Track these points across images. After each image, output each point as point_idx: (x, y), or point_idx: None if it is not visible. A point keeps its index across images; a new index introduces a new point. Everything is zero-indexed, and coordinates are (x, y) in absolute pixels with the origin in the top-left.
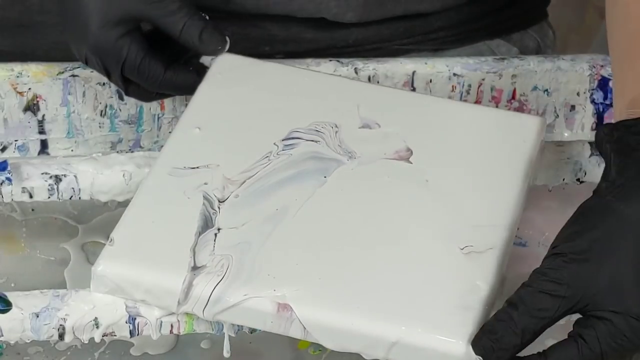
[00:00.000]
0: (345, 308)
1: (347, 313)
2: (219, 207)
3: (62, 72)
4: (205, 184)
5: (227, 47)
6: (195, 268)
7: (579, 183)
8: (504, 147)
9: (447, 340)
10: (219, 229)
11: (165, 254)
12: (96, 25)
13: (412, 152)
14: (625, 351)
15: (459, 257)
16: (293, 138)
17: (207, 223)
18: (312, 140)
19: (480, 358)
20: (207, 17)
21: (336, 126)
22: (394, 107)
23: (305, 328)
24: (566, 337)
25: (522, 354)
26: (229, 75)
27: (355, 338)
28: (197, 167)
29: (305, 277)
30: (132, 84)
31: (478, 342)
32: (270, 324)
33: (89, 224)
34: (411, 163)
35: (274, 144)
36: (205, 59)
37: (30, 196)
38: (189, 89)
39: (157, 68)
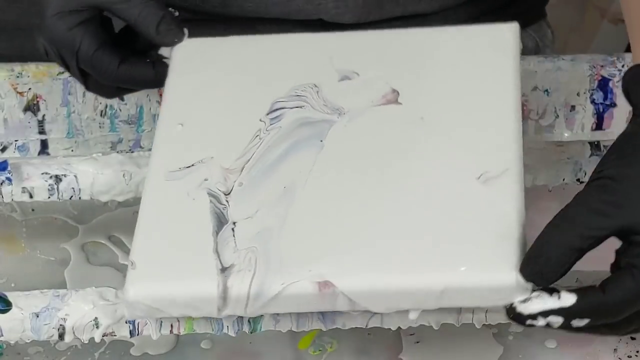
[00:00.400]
0: (385, 269)
1: (389, 274)
2: (227, 201)
3: (62, 72)
4: (206, 180)
5: (185, 39)
6: (224, 269)
7: (579, 183)
8: (486, 63)
9: (495, 275)
10: (234, 223)
11: (190, 263)
12: (51, 13)
13: (398, 93)
14: None
15: (478, 187)
16: (277, 109)
17: (220, 220)
18: (297, 107)
19: (532, 284)
20: (174, 11)
21: (315, 86)
22: (367, 51)
23: (350, 299)
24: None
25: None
26: (193, 61)
27: (403, 296)
28: (192, 165)
29: (335, 248)
30: (91, 78)
31: (526, 268)
32: (316, 304)
33: (89, 224)
34: (401, 104)
35: (260, 120)
36: (164, 50)
37: (31, 196)
38: (147, 83)
39: (111, 60)
